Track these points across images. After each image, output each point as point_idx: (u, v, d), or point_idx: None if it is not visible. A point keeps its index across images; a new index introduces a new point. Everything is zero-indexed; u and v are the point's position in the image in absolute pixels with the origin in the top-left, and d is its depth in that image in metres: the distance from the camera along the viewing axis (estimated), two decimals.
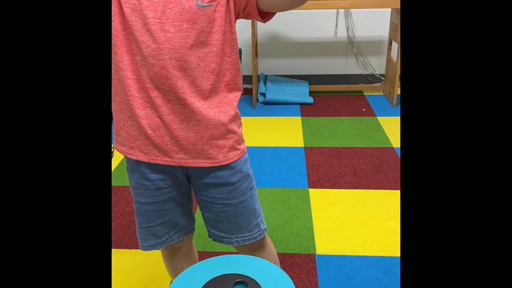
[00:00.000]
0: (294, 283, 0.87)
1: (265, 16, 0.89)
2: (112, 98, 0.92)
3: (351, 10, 3.20)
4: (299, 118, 2.84)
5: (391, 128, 2.64)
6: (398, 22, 2.88)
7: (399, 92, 2.97)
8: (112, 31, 0.84)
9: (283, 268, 1.51)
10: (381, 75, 3.36)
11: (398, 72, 2.85)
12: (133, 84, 0.87)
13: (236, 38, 0.89)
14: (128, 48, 0.85)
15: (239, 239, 1.04)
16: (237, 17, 0.89)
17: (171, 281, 1.25)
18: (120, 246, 1.65)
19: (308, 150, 2.39)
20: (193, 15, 0.83)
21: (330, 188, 2.02)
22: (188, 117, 0.89)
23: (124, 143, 0.95)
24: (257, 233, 1.05)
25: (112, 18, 0.84)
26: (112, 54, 0.86)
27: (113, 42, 0.85)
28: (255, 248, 1.08)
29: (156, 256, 1.59)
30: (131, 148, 0.94)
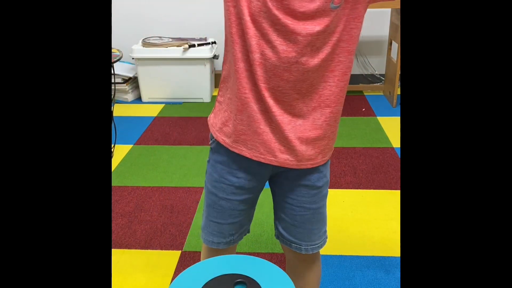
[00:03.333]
0: None
1: None
2: None
3: None
4: None
5: (391, 128, 2.64)
6: (398, 22, 2.88)
7: (399, 92, 2.97)
8: None
9: (283, 268, 1.51)
10: (381, 75, 3.36)
11: (398, 72, 2.85)
12: None
13: None
14: None
15: (309, 247, 1.02)
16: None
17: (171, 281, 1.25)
18: (120, 246, 1.65)
19: None
20: None
21: (330, 188, 2.01)
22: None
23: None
24: (323, 240, 1.04)
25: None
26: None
27: None
28: (310, 260, 1.07)
29: (156, 256, 1.59)
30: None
